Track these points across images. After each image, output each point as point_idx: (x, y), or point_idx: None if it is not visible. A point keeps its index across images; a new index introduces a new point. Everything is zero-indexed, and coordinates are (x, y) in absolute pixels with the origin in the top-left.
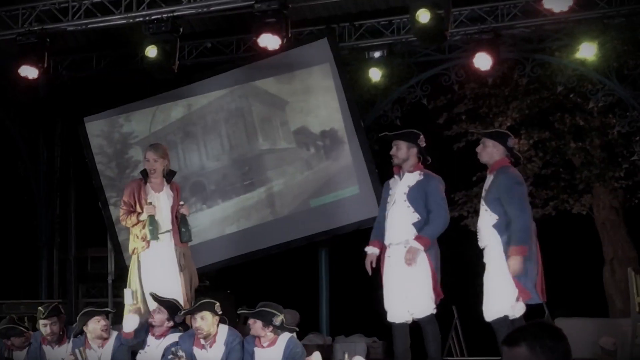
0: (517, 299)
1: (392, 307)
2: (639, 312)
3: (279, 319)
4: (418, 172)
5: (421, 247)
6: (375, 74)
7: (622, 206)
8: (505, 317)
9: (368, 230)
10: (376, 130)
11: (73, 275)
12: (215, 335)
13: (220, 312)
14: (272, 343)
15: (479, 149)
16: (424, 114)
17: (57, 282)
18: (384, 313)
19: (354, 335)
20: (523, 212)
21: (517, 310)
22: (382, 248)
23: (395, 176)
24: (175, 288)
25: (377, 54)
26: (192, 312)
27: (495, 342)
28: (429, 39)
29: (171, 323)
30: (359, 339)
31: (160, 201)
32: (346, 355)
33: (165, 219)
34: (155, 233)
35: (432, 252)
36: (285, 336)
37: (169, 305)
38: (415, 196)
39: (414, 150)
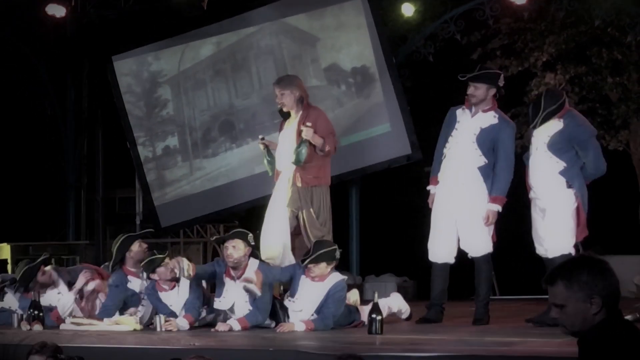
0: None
1: (436, 246)
2: None
3: (338, 252)
4: (492, 112)
5: (499, 208)
6: (407, 10)
7: None
8: (570, 255)
9: (399, 169)
10: (408, 66)
11: (101, 216)
12: (245, 267)
13: (253, 243)
14: (322, 279)
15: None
16: (458, 49)
17: (85, 224)
18: (424, 251)
19: (385, 274)
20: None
21: None
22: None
23: (465, 109)
24: (273, 233)
25: None
26: (225, 239)
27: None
28: None
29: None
30: (389, 279)
31: (284, 137)
32: (376, 295)
33: (284, 156)
34: (271, 168)
35: None
36: (336, 276)
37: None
38: (485, 140)
39: (493, 91)
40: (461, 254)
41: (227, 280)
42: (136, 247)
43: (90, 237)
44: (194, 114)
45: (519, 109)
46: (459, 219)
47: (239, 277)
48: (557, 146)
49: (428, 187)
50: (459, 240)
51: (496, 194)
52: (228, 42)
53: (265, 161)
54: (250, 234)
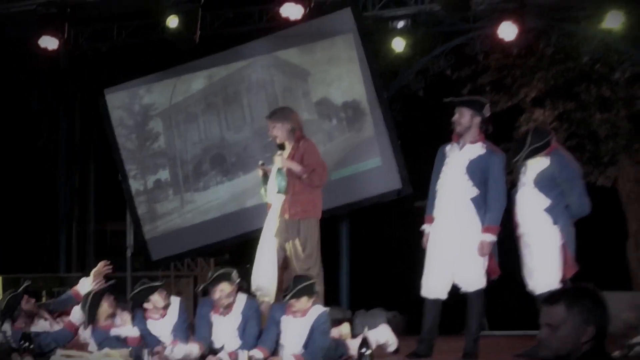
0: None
1: (430, 280)
2: None
3: (317, 286)
4: (480, 144)
5: (494, 238)
6: (398, 44)
7: None
8: None
9: (390, 203)
10: (399, 101)
11: (92, 248)
12: (232, 304)
13: (238, 280)
14: (304, 314)
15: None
16: (448, 84)
17: (76, 256)
18: (415, 286)
19: (375, 309)
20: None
21: None
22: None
23: (454, 144)
24: (263, 264)
25: (400, 24)
26: (208, 287)
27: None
28: (454, 9)
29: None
30: (379, 313)
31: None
32: (366, 329)
33: (274, 188)
34: (265, 195)
35: None
36: (318, 309)
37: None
38: (475, 170)
39: (478, 120)
40: (453, 288)
41: (215, 317)
42: (105, 300)
43: (82, 270)
44: (185, 147)
45: (508, 145)
46: (452, 254)
47: (227, 314)
48: (543, 183)
49: (422, 227)
50: (452, 276)
51: (489, 224)
52: (220, 76)
53: (263, 189)
54: (234, 271)
